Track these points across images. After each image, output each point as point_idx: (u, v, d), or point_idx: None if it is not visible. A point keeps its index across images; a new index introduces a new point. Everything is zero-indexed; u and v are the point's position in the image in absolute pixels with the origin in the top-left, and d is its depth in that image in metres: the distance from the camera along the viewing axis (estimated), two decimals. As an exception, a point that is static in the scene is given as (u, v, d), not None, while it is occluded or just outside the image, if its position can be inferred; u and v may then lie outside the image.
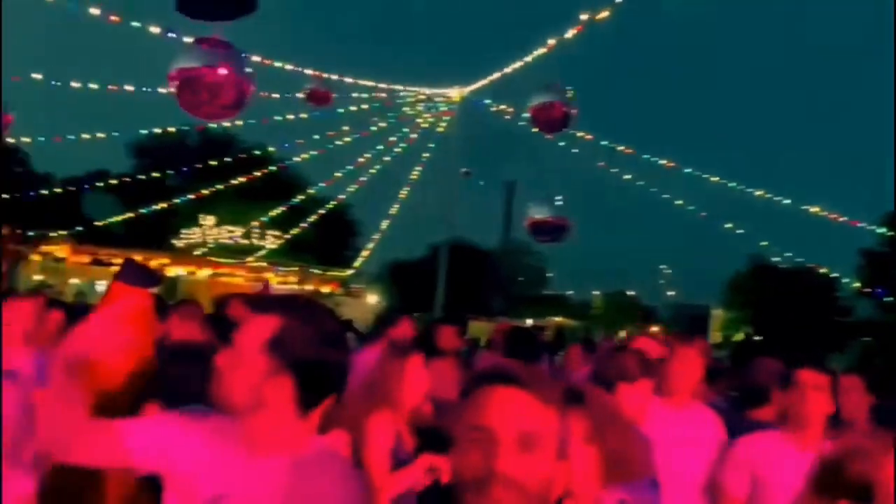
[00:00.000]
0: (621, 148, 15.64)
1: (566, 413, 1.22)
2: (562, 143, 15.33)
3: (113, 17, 8.58)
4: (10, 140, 13.84)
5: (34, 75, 11.73)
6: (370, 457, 2.86)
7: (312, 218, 24.14)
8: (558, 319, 34.74)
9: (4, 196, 19.64)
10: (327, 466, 1.50)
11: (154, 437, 1.54)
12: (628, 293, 50.41)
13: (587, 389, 2.01)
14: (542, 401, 1.17)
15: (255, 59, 8.67)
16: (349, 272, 26.70)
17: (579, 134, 15.05)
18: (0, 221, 19.11)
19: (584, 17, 10.54)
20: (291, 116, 16.84)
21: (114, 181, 23.80)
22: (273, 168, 23.36)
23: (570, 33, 11.00)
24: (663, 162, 15.41)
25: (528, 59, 12.49)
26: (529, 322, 24.39)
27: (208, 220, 27.25)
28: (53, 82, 11.85)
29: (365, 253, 25.87)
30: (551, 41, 11.62)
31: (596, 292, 51.36)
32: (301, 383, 1.46)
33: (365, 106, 17.78)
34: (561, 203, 13.40)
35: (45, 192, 21.46)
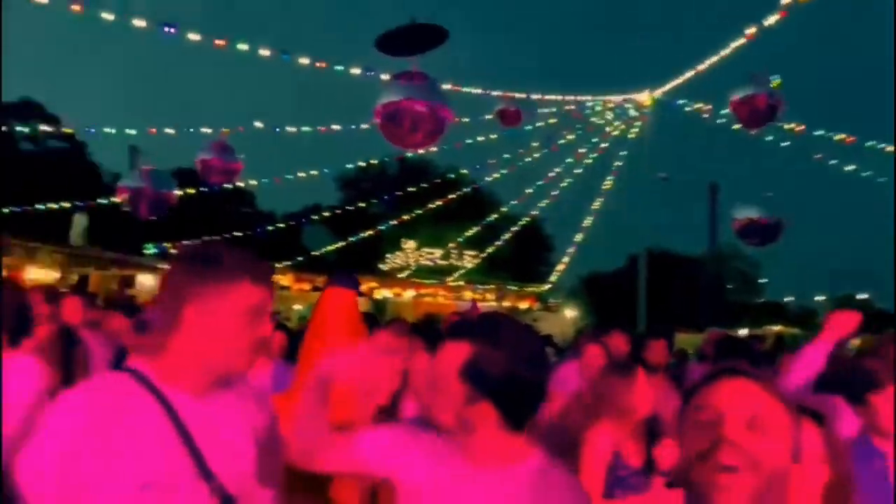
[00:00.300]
0: (839, 137, 14.14)
1: (800, 420, 1.16)
2: (769, 138, 14.20)
3: (319, 64, 9.43)
4: (240, 184, 15.62)
5: (256, 124, 13.19)
6: (586, 468, 2.82)
7: (507, 235, 24.45)
8: (777, 328, 31.95)
9: (237, 234, 22.20)
10: (547, 480, 1.50)
11: (386, 446, 1.62)
12: (858, 296, 45.10)
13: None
14: (771, 392, 1.13)
15: (446, 86, 9.05)
16: (545, 287, 26.67)
17: (788, 126, 13.85)
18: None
19: (786, 0, 9.73)
20: (482, 138, 17.28)
21: (326, 213, 25.90)
22: (467, 189, 24.09)
23: (771, 20, 10.21)
24: (891, 149, 13.70)
25: (726, 51, 11.76)
26: (744, 332, 22.70)
27: (410, 243, 28.60)
28: (275, 128, 13.24)
29: (560, 267, 25.70)
30: (749, 30, 10.86)
31: (820, 297, 46.59)
32: (501, 405, 1.47)
33: (553, 120, 17.78)
34: (772, 202, 12.39)
35: (270, 227, 23.89)
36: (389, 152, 22.74)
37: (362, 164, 23.92)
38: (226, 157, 10.54)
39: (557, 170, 20.47)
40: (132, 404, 1.42)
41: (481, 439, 1.49)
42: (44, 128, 23.80)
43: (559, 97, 16.07)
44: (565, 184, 20.85)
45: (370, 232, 23.43)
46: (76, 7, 7.21)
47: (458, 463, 1.53)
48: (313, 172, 17.67)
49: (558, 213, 26.91)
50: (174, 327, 1.47)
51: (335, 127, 15.03)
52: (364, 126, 13.71)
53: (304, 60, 9.19)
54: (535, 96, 14.50)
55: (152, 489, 1.36)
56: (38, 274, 14.13)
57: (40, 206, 17.41)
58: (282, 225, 25.14)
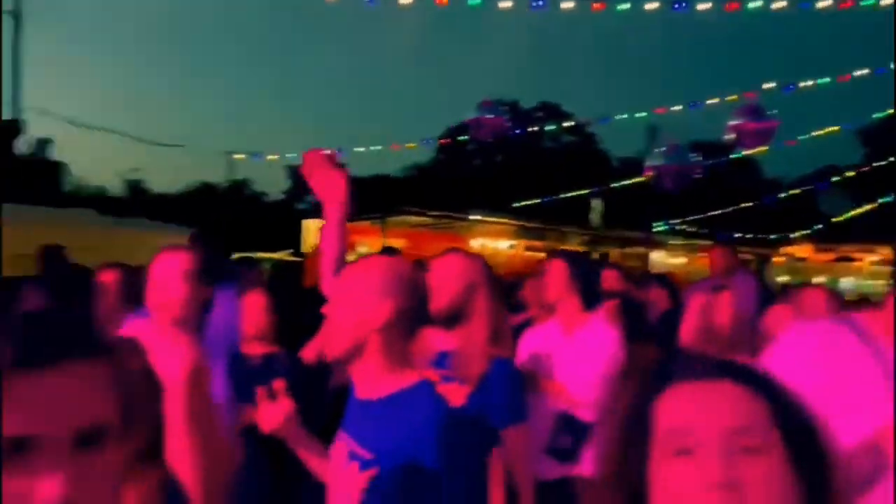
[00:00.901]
0: None
1: None
2: None
3: (844, 4, 8.32)
4: (755, 150, 14.89)
5: (766, 85, 12.43)
6: None
7: None
8: None
9: (746, 204, 21.40)
10: None
11: None
12: None
13: None
14: None
15: None
16: None
17: None
18: (746, 228, 20.99)
19: None
20: None
21: (849, 174, 23.06)
22: None
23: None
24: None
25: None
26: None
27: (967, 200, 23.40)
28: (785, 88, 12.25)
29: None
30: None
31: None
32: None
33: None
34: None
35: (781, 195, 22.39)
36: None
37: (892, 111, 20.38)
38: (758, 118, 10.22)
39: None
40: (848, 349, 1.48)
41: None
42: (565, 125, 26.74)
43: None
44: None
45: (902, 191, 19.91)
46: (598, 5, 7.87)
47: None
48: (832, 129, 15.81)
49: None
50: None
51: (859, 73, 13.13)
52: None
53: (825, 3, 8.18)
54: None
55: None
56: (567, 254, 15.97)
57: (565, 195, 19.73)
58: (796, 191, 23.27)
